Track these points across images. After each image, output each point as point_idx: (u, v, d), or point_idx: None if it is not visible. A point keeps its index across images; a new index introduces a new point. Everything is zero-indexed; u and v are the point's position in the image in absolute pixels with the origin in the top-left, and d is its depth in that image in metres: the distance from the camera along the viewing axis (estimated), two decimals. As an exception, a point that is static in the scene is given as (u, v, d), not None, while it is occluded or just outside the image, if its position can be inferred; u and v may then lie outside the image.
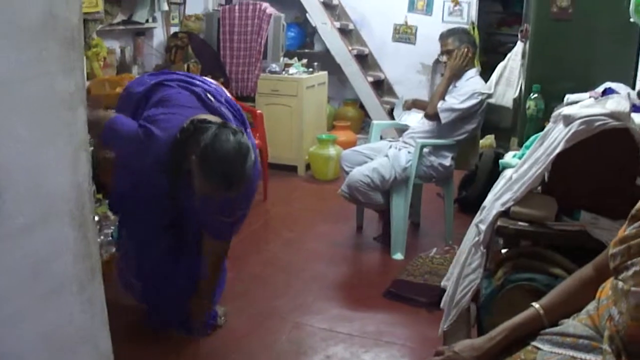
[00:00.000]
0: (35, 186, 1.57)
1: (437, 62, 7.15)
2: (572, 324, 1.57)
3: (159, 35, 5.98)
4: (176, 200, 2.88)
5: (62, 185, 1.65)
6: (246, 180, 2.67)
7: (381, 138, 5.12)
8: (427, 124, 4.55)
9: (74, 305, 1.79)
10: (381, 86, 7.87)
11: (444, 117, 4.35)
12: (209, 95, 2.92)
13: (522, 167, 2.33)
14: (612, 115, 2.15)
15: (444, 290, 2.64)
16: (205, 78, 3.29)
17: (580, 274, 1.74)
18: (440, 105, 4.36)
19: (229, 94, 3.22)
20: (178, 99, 2.84)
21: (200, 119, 2.70)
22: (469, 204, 4.80)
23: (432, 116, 4.41)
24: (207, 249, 3.10)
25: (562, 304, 1.68)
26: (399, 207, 4.32)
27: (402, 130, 4.78)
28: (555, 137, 2.24)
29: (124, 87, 3.22)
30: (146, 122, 2.73)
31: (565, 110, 2.31)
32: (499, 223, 2.22)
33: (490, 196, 2.45)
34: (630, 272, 1.30)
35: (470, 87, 4.37)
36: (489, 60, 6.79)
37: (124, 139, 2.74)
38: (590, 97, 2.71)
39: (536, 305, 1.69)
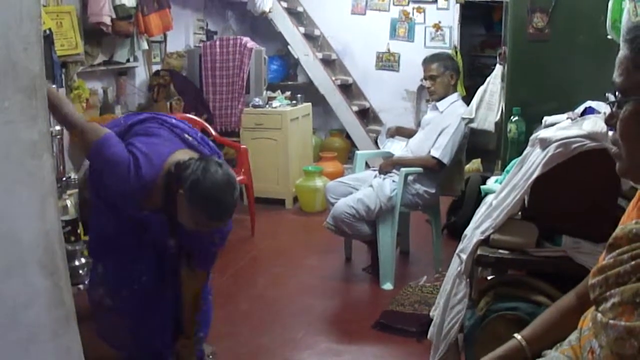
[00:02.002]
0: (1, 236, 1.55)
1: (421, 88, 7.16)
2: (555, 356, 1.54)
3: (141, 74, 5.98)
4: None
5: (30, 234, 1.62)
6: (234, 210, 2.73)
7: (367, 167, 5.10)
8: (410, 151, 4.54)
9: (49, 353, 1.76)
10: (367, 115, 7.89)
11: (447, 158, 4.35)
12: (186, 135, 2.92)
13: (501, 194, 2.30)
14: (589, 136, 2.13)
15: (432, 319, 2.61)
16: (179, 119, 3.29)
17: (562, 302, 1.70)
18: (436, 152, 4.35)
19: (212, 130, 3.21)
20: (160, 133, 2.85)
21: (183, 159, 2.71)
22: (458, 230, 4.75)
23: (435, 166, 4.38)
24: (186, 283, 3.06)
25: (545, 334, 1.65)
26: (386, 237, 4.29)
27: (387, 158, 4.76)
28: (532, 161, 2.23)
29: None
30: (132, 149, 2.73)
31: (541, 133, 2.30)
32: (478, 252, 2.19)
33: (471, 224, 2.43)
34: (609, 304, 1.27)
35: (454, 116, 4.37)
36: (475, 83, 6.81)
37: (111, 163, 2.71)
38: (567, 118, 2.70)
39: (518, 336, 1.66)
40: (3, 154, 1.51)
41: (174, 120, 3.04)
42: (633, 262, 1.24)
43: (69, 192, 4.11)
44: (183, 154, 2.77)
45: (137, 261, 3.02)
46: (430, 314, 2.72)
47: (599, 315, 1.28)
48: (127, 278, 3.04)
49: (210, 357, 3.32)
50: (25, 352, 1.66)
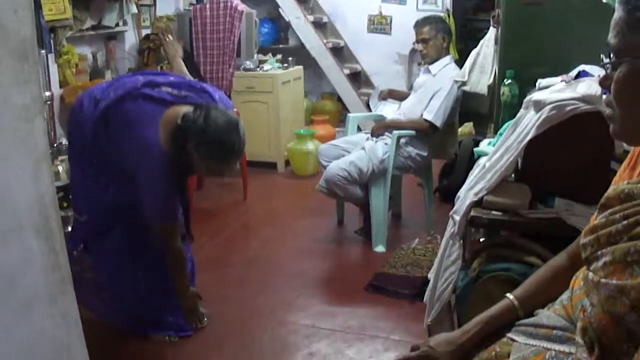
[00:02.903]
0: (-5, 201, 1.54)
1: (413, 51, 7.12)
2: (546, 315, 1.55)
3: (131, 38, 5.91)
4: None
5: (24, 199, 1.62)
6: (244, 147, 2.84)
7: (359, 130, 5.09)
8: (403, 115, 4.53)
9: (46, 317, 1.77)
10: (358, 78, 7.85)
11: (440, 121, 4.35)
12: (170, 91, 2.91)
13: (494, 155, 2.31)
14: (583, 99, 2.14)
15: (426, 281, 2.63)
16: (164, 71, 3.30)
17: (554, 262, 1.72)
18: (429, 115, 4.34)
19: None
20: (139, 112, 2.83)
21: (182, 115, 2.75)
22: (450, 193, 4.73)
23: (427, 129, 4.37)
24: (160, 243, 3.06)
25: (537, 294, 1.67)
26: (378, 200, 4.30)
27: (380, 121, 4.75)
28: (526, 123, 2.23)
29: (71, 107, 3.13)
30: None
31: (535, 95, 2.30)
32: (472, 213, 2.21)
33: (464, 186, 2.44)
34: (600, 262, 1.28)
35: (446, 79, 4.36)
36: (466, 47, 6.76)
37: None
38: (561, 81, 2.70)
39: (510, 296, 1.67)
40: (-5, 118, 1.50)
41: (158, 78, 3.02)
42: (625, 222, 1.24)
43: (60, 157, 4.10)
44: (174, 112, 2.79)
45: (123, 230, 3.04)
46: (428, 275, 2.74)
47: (591, 274, 1.29)
48: (110, 246, 3.07)
49: (205, 320, 3.34)
50: (24, 317, 1.67)
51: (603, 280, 1.24)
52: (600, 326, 1.27)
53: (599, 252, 1.29)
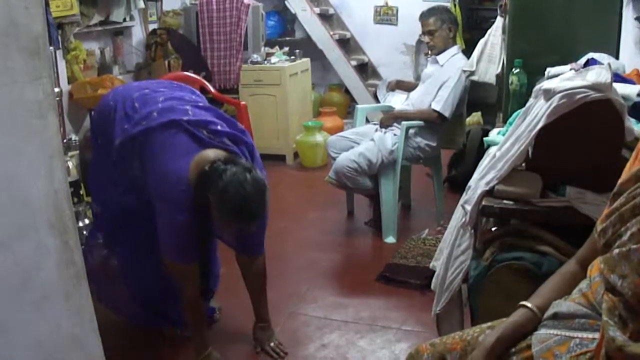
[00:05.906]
0: (10, 197, 1.56)
1: (420, 41, 7.11)
2: (566, 305, 1.54)
3: (138, 34, 5.93)
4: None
5: (39, 194, 1.64)
6: (266, 210, 2.70)
7: (368, 121, 5.09)
8: (411, 105, 4.53)
9: (61, 312, 1.79)
10: (365, 69, 7.85)
11: (449, 111, 4.34)
12: (204, 132, 2.74)
13: (505, 145, 2.30)
14: (593, 87, 2.12)
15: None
16: (194, 90, 3.17)
17: (565, 269, 1.69)
18: (437, 106, 4.34)
19: (211, 88, 3.15)
20: (175, 147, 2.70)
21: (211, 162, 2.60)
22: (459, 183, 4.77)
23: (436, 119, 4.37)
24: (246, 270, 3.15)
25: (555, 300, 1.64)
26: (388, 191, 4.31)
27: (388, 112, 4.74)
28: (536, 112, 2.22)
29: (104, 97, 3.05)
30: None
31: (545, 84, 2.29)
32: (483, 203, 2.20)
33: (475, 175, 2.43)
34: (626, 236, 1.30)
35: (454, 69, 4.35)
36: (472, 36, 6.74)
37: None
38: (571, 69, 2.69)
39: (529, 304, 1.63)
40: (9, 115, 1.52)
41: (194, 112, 2.81)
42: None
43: (70, 153, 4.12)
44: (209, 154, 2.67)
45: (144, 224, 3.01)
46: (431, 264, 2.75)
47: (616, 250, 1.30)
48: (124, 239, 3.08)
49: (217, 313, 3.36)
50: (39, 311, 1.69)
51: (634, 246, 1.25)
52: (637, 293, 1.29)
53: (623, 228, 1.32)
